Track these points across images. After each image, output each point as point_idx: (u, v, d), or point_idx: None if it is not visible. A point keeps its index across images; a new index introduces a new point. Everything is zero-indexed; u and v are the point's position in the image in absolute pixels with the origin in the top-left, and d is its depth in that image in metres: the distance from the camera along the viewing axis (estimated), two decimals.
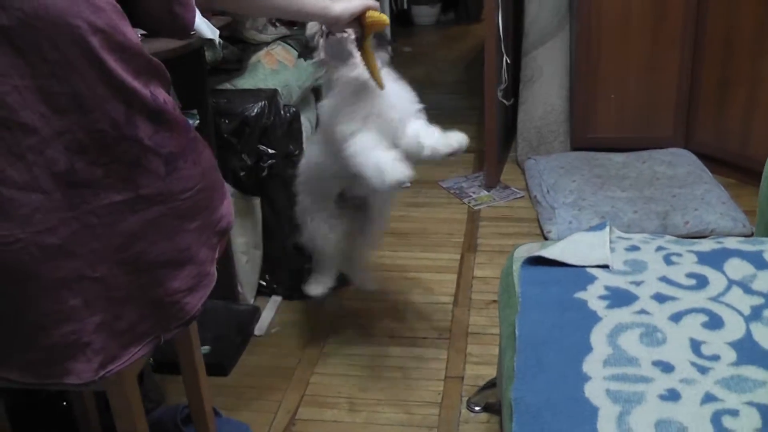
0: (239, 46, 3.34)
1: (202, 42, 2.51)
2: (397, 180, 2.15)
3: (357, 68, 2.24)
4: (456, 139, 2.24)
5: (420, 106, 2.34)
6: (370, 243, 2.80)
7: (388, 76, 2.31)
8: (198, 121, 2.55)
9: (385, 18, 2.11)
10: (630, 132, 4.21)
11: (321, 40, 2.27)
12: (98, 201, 1.38)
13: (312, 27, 2.33)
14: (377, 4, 2.11)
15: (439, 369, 2.65)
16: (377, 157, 2.17)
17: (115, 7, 1.34)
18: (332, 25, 2.09)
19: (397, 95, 2.30)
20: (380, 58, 2.29)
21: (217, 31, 2.57)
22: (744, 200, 3.52)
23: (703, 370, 1.44)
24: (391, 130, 2.26)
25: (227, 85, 3.12)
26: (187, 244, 1.53)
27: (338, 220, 2.62)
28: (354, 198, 2.58)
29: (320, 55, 2.31)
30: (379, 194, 2.52)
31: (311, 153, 2.62)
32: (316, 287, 2.73)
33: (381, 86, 2.20)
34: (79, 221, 1.37)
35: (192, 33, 2.00)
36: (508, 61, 4.03)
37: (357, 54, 2.20)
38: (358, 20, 2.09)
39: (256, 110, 2.85)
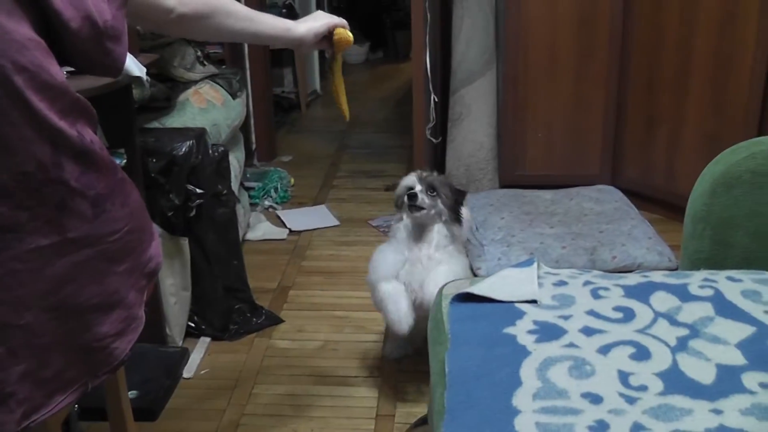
0: (167, 85, 3.33)
1: (129, 80, 2.50)
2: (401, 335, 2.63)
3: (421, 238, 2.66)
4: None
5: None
6: None
7: (449, 256, 2.66)
8: (125, 161, 2.52)
9: (350, 36, 2.02)
10: (558, 169, 4.28)
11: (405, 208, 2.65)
12: (23, 246, 1.33)
13: (401, 192, 2.66)
14: (344, 21, 2.02)
15: (370, 407, 2.64)
16: (389, 309, 2.57)
17: (41, 44, 1.29)
18: (297, 47, 1.99)
19: (440, 276, 2.48)
20: (447, 236, 2.67)
21: (145, 69, 2.55)
22: (670, 235, 3.59)
23: (631, 401, 1.45)
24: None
25: (155, 124, 3.10)
26: (116, 287, 1.50)
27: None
28: None
29: (402, 214, 2.69)
30: None
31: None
32: (393, 351, 2.92)
33: (345, 115, 2.18)
34: (3, 267, 1.31)
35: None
36: (436, 99, 4.07)
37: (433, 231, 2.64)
38: (328, 39, 2.01)
39: (184, 149, 2.83)
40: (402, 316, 2.52)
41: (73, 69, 1.52)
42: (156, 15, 1.66)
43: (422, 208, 2.59)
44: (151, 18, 1.69)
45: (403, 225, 2.68)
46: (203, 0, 1.72)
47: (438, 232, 2.63)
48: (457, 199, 2.67)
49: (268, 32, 1.90)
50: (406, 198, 2.59)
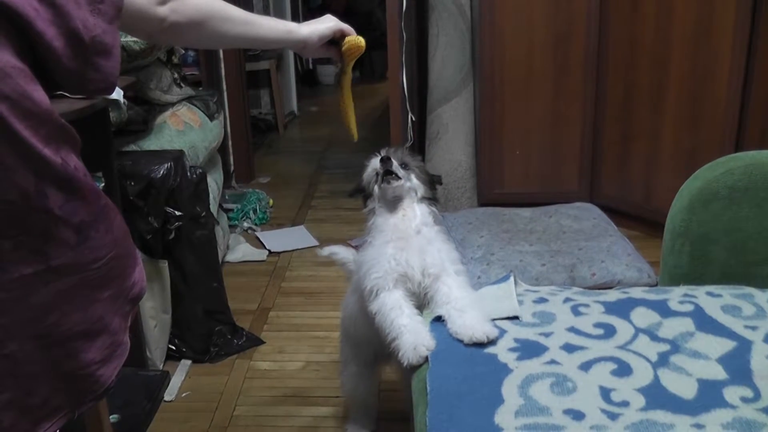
0: (144, 107, 3.32)
1: (106, 102, 2.49)
2: (416, 362, 1.82)
3: (402, 216, 2.12)
4: (484, 332, 1.79)
5: (462, 267, 2.10)
6: None
7: (437, 234, 2.14)
8: (103, 184, 2.51)
9: (362, 41, 1.87)
10: (536, 187, 4.30)
11: (377, 187, 2.15)
12: (7, 275, 1.31)
13: (369, 175, 2.19)
14: (351, 28, 1.89)
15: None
16: (400, 330, 1.90)
17: (24, 71, 1.26)
18: (301, 50, 1.88)
19: (436, 255, 2.07)
20: (430, 214, 2.17)
21: (121, 92, 2.54)
22: (648, 251, 3.60)
23: (613, 417, 1.46)
24: (420, 291, 2.04)
25: (132, 147, 3.09)
26: (100, 314, 1.48)
27: (374, 371, 2.47)
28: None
29: (374, 202, 2.17)
30: None
31: (348, 301, 2.42)
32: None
33: (354, 135, 2.06)
34: None
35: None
36: (413, 118, 4.08)
37: (407, 204, 2.13)
38: (337, 48, 1.89)
39: (162, 172, 2.82)
40: (421, 338, 1.86)
41: (63, 93, 1.49)
42: (147, 25, 1.59)
43: (399, 178, 2.13)
44: (142, 28, 1.62)
45: (379, 216, 2.16)
46: (196, 7, 1.64)
47: (419, 209, 2.16)
48: (432, 178, 2.28)
49: (269, 36, 1.81)
50: (380, 168, 2.15)
